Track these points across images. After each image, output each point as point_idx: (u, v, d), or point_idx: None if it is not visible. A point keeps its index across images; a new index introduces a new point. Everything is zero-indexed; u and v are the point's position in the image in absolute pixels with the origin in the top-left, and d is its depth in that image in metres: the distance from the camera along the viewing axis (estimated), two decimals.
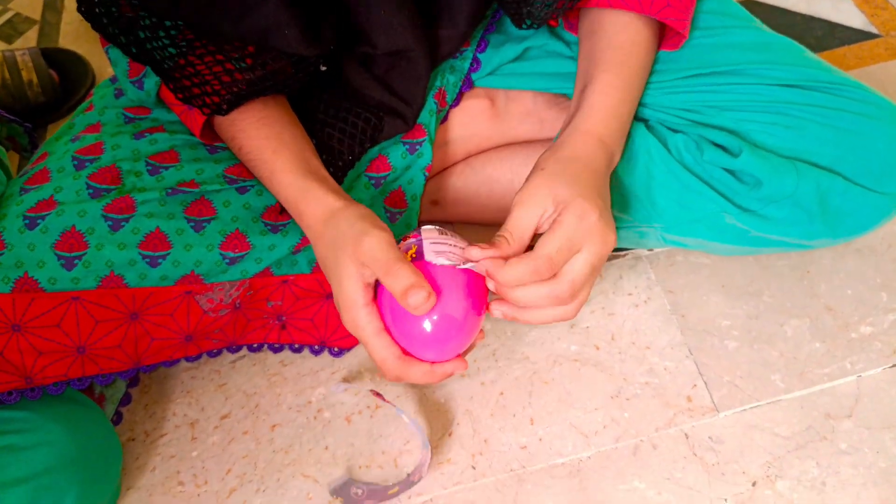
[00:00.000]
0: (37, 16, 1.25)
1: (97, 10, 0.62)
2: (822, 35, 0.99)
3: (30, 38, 1.21)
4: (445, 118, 0.77)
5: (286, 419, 0.74)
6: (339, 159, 0.69)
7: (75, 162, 0.65)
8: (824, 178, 0.64)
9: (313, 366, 0.77)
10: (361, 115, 0.69)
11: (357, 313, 0.57)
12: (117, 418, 0.74)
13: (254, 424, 0.74)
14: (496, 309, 0.58)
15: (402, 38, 0.66)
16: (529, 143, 0.78)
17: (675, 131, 0.69)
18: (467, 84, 0.76)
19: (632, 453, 0.67)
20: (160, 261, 0.64)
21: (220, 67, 0.59)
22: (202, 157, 0.68)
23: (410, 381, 0.58)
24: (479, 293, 0.58)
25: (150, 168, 0.66)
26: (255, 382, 0.77)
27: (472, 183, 0.79)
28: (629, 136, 0.70)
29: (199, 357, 0.72)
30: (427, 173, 0.73)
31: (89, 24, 0.63)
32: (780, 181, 0.64)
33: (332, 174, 0.66)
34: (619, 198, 0.70)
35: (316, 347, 0.75)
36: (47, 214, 0.62)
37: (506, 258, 0.56)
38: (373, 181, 0.72)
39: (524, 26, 0.68)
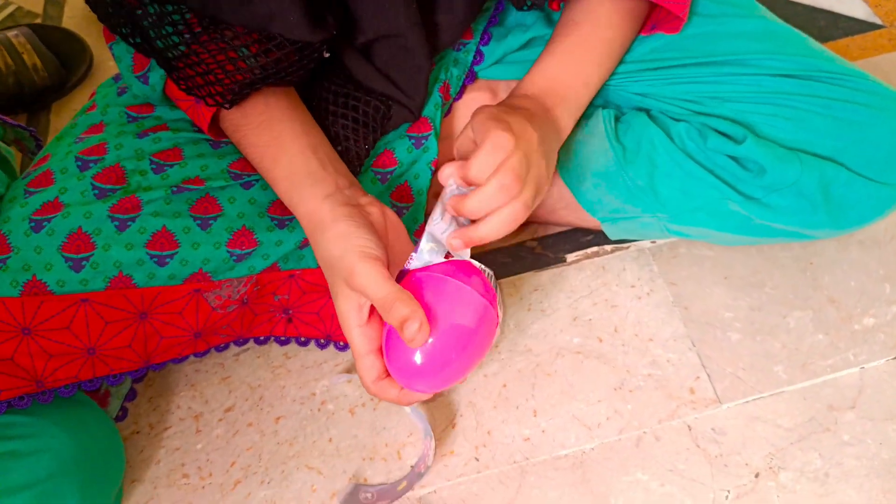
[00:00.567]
0: (38, 9, 1.25)
1: None
2: (824, 26, 0.99)
3: None
4: (449, 111, 0.77)
5: (290, 411, 0.74)
6: (354, 149, 0.69)
7: (79, 163, 0.65)
8: (828, 168, 0.64)
9: (317, 358, 0.77)
10: (371, 102, 0.69)
11: (350, 333, 0.59)
12: (122, 413, 0.75)
13: (258, 417, 0.74)
14: (453, 241, 0.58)
15: (393, 20, 0.65)
16: None
17: (678, 120, 0.69)
18: (471, 77, 0.76)
19: (635, 445, 0.67)
20: (168, 260, 0.64)
21: (224, 56, 0.59)
22: (206, 152, 0.68)
23: (381, 399, 0.61)
24: (478, 328, 0.58)
25: (154, 167, 0.66)
26: (258, 375, 0.77)
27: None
28: (631, 125, 0.70)
29: (207, 352, 0.72)
30: (433, 168, 0.73)
31: (93, 17, 0.63)
32: (783, 169, 0.64)
33: (351, 164, 0.67)
34: (622, 187, 0.70)
35: (322, 341, 0.75)
36: (53, 217, 0.62)
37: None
38: (379, 176, 0.72)
39: (525, 8, 0.68)
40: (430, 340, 0.56)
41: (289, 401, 0.75)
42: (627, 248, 0.80)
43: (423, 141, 0.73)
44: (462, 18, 0.71)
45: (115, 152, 0.66)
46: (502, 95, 0.77)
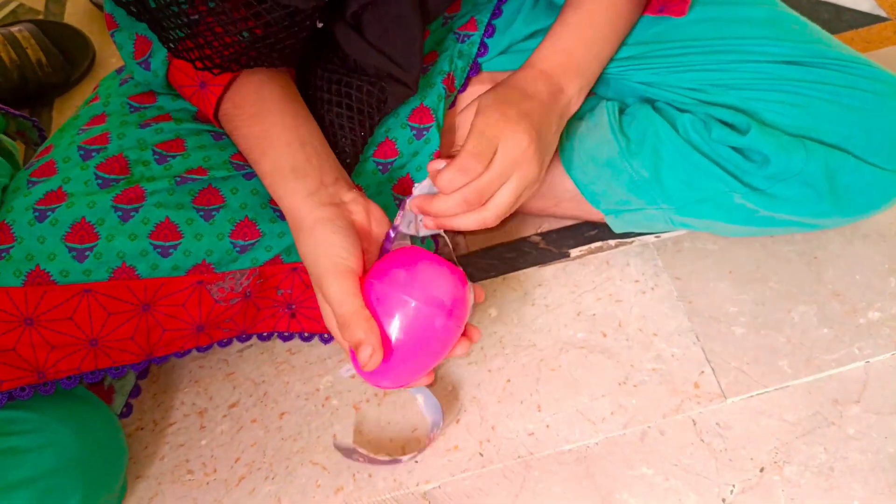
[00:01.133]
0: (40, 6, 1.25)
1: None
2: (828, 18, 0.98)
3: None
4: (453, 104, 0.77)
5: (294, 407, 0.74)
6: (350, 137, 0.69)
7: (81, 152, 0.65)
8: (833, 155, 0.64)
9: (321, 354, 0.77)
10: (363, 87, 0.68)
11: (329, 326, 0.61)
12: (127, 410, 0.75)
13: (262, 413, 0.74)
14: (427, 220, 0.62)
15: None
16: None
17: (683, 111, 0.69)
18: (475, 69, 0.76)
19: (639, 439, 0.67)
20: (171, 251, 0.64)
21: (214, 19, 0.58)
22: (207, 144, 0.68)
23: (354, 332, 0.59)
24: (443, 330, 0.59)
25: (157, 157, 0.66)
26: (263, 371, 0.77)
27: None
28: (636, 117, 0.69)
29: (209, 347, 0.72)
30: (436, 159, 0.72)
31: (94, 13, 0.62)
32: (788, 158, 0.63)
33: (347, 153, 0.66)
34: (626, 179, 0.70)
35: (326, 336, 0.75)
36: (57, 206, 0.62)
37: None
38: (380, 167, 0.72)
39: None
40: (395, 345, 0.58)
41: (293, 396, 0.75)
42: (631, 242, 0.80)
43: (425, 132, 0.72)
44: None
45: (118, 142, 0.66)
46: None
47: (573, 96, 0.67)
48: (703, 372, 0.70)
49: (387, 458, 0.67)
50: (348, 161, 0.69)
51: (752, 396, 0.68)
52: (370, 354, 0.55)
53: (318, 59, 0.69)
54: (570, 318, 0.75)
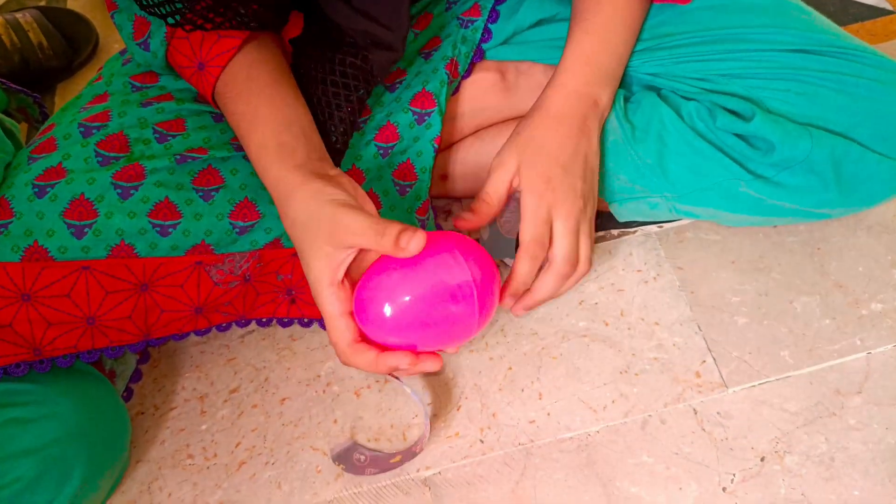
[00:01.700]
0: None
1: None
2: (834, 11, 0.98)
3: None
4: (457, 90, 0.76)
5: (295, 393, 0.74)
6: (338, 114, 0.68)
7: (81, 129, 0.65)
8: (839, 143, 0.64)
9: (322, 340, 0.77)
10: (346, 59, 0.67)
11: (321, 295, 0.58)
12: (128, 394, 0.75)
13: (263, 398, 0.74)
14: (518, 308, 0.65)
15: None
16: None
17: (688, 99, 0.69)
18: (479, 55, 0.76)
19: (640, 428, 0.67)
20: (171, 230, 0.64)
21: None
22: (208, 125, 0.68)
23: (356, 367, 0.59)
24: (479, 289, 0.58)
25: (157, 136, 0.66)
26: (264, 357, 0.77)
27: (482, 157, 0.78)
28: (641, 104, 0.69)
29: (208, 331, 0.72)
30: (436, 145, 0.72)
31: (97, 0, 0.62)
32: (793, 145, 0.63)
33: (339, 129, 0.66)
34: (631, 167, 0.69)
35: None
36: (56, 183, 0.62)
37: (485, 218, 0.65)
38: (381, 151, 0.72)
39: None
40: (407, 298, 0.56)
41: (294, 382, 0.75)
42: (634, 232, 0.80)
43: (426, 117, 0.72)
44: None
45: (119, 120, 0.65)
46: (511, 76, 0.77)
47: (607, 104, 0.68)
48: (704, 361, 0.70)
49: (390, 454, 0.67)
50: (342, 136, 0.68)
51: (753, 386, 0.68)
52: (413, 235, 0.53)
53: (307, 37, 0.69)
54: (572, 307, 0.75)
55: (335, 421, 0.71)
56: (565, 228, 0.63)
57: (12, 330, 0.61)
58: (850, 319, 0.71)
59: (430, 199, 0.73)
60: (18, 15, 1.04)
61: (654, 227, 0.79)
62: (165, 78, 0.71)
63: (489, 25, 0.75)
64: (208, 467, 0.71)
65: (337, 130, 0.68)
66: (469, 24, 0.75)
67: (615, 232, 0.80)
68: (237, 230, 0.66)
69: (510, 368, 0.72)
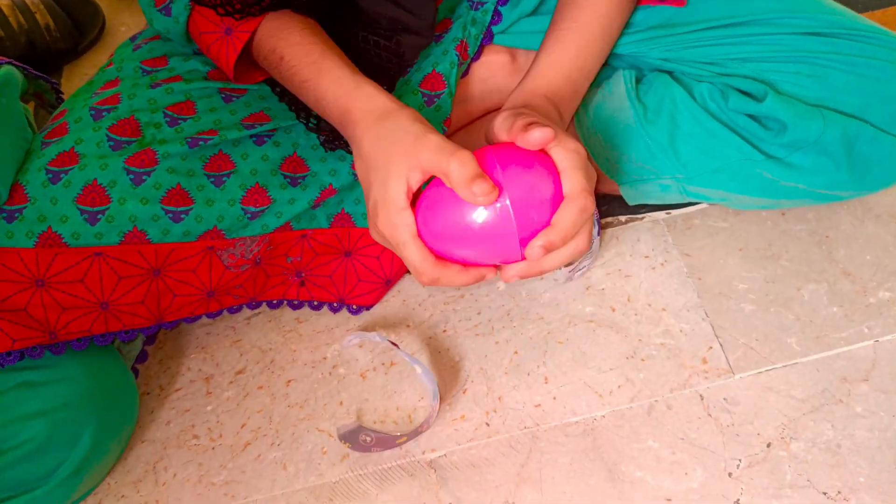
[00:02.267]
0: None
1: None
2: (843, 1, 0.97)
3: None
4: (466, 73, 0.76)
5: (301, 374, 0.74)
6: None
7: (92, 112, 0.65)
8: (851, 124, 0.63)
9: (328, 322, 0.77)
10: (379, 42, 0.67)
11: (398, 214, 0.54)
12: (133, 375, 0.75)
13: (269, 380, 0.74)
14: (511, 274, 0.57)
15: None
16: None
17: (700, 81, 0.69)
18: (488, 37, 0.75)
19: (646, 413, 0.67)
20: (183, 216, 0.64)
21: None
22: (218, 106, 0.68)
23: (445, 282, 0.56)
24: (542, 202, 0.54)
25: (168, 119, 0.66)
26: (270, 339, 0.77)
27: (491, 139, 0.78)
28: (653, 85, 0.69)
29: (219, 313, 0.72)
30: (446, 128, 0.72)
31: None
32: (805, 126, 0.63)
33: None
34: (642, 148, 0.69)
35: (335, 305, 0.75)
36: (70, 168, 0.62)
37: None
38: None
39: None
40: (471, 215, 0.53)
41: (300, 364, 0.75)
42: (642, 218, 0.79)
43: (436, 99, 0.72)
44: None
45: (128, 102, 0.65)
46: (521, 59, 0.77)
47: (567, 124, 0.66)
48: (711, 347, 0.70)
49: (395, 435, 0.67)
50: None
51: (760, 373, 0.68)
52: (490, 188, 0.51)
53: (335, 19, 0.69)
54: (579, 293, 0.75)
55: (341, 403, 0.72)
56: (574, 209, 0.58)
57: (27, 314, 0.62)
58: (858, 307, 0.70)
59: None
60: None
61: (661, 214, 0.79)
62: (175, 59, 0.70)
63: (499, 8, 0.75)
64: (213, 448, 0.71)
65: None
66: (479, 6, 0.75)
67: (623, 218, 0.80)
68: (248, 215, 0.66)
69: (516, 352, 0.72)
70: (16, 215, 0.60)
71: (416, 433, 0.67)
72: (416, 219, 0.55)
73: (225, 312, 0.73)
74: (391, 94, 0.68)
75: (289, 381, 0.74)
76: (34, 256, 0.61)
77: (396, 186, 0.54)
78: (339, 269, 0.73)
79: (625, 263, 0.77)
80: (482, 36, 0.75)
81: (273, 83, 0.70)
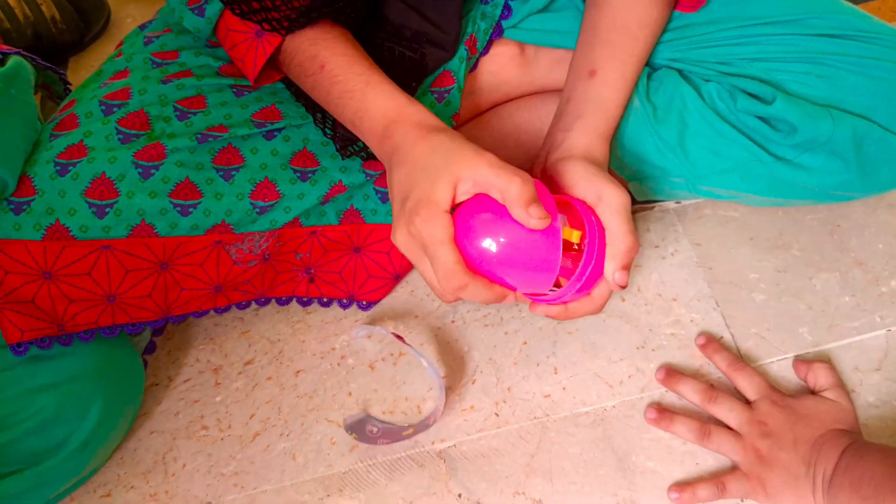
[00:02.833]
0: None
1: None
2: None
3: None
4: (475, 67, 0.76)
5: (310, 365, 0.74)
6: None
7: (103, 107, 0.65)
8: (860, 124, 0.63)
9: (337, 314, 0.77)
10: (405, 53, 0.68)
11: (442, 214, 0.53)
12: (141, 361, 0.75)
13: (277, 370, 0.74)
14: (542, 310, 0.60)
15: None
16: (561, 92, 0.77)
17: (708, 81, 0.68)
18: (497, 32, 0.75)
19: (657, 403, 0.67)
20: (191, 210, 0.64)
21: None
22: (229, 101, 0.67)
23: (470, 292, 0.55)
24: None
25: (178, 113, 0.65)
26: (278, 330, 0.77)
27: (498, 132, 0.78)
28: (663, 83, 0.68)
29: (227, 308, 0.72)
30: (455, 122, 0.72)
31: None
32: (815, 127, 0.63)
33: None
34: (652, 148, 0.69)
35: (344, 301, 0.75)
36: (78, 161, 0.61)
37: None
38: None
39: None
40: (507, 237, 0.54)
41: (309, 355, 0.75)
42: (652, 208, 0.79)
43: (446, 95, 0.72)
44: None
45: (139, 97, 0.65)
46: (531, 51, 0.76)
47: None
48: (722, 337, 0.69)
49: (401, 427, 0.67)
50: None
51: (771, 362, 0.67)
52: (544, 214, 0.52)
53: (360, 27, 0.69)
54: None
55: (350, 394, 0.71)
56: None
57: (35, 306, 0.62)
58: (870, 297, 0.70)
59: None
60: None
61: (671, 203, 0.78)
62: (186, 53, 0.70)
63: (509, 2, 0.74)
64: (223, 438, 0.71)
65: None
66: (489, 0, 0.74)
67: (633, 207, 0.79)
68: (257, 210, 0.66)
69: (525, 343, 0.72)
70: (23, 207, 0.60)
71: (423, 426, 0.67)
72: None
73: (233, 308, 0.73)
74: None
75: (298, 372, 0.74)
76: (42, 249, 0.61)
77: (444, 189, 0.53)
78: (349, 266, 0.73)
79: None
80: (492, 30, 0.74)
81: (288, 83, 0.70)
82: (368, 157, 0.68)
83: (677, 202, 0.78)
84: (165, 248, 0.65)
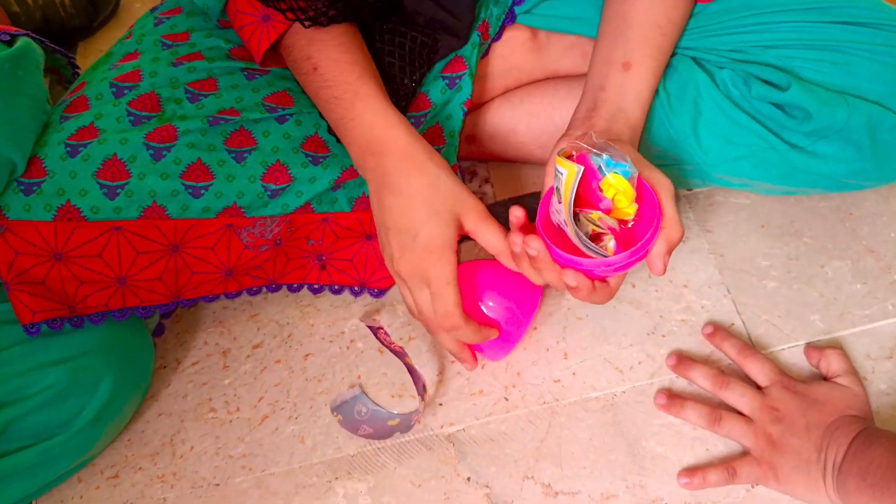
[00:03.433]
0: None
1: None
2: None
3: None
4: (486, 52, 0.75)
5: (319, 349, 0.74)
6: (400, 87, 0.68)
7: (114, 89, 0.65)
8: (875, 111, 0.63)
9: (346, 298, 0.77)
10: (417, 38, 0.67)
11: (452, 259, 0.58)
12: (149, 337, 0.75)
13: (286, 354, 0.74)
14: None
15: None
16: (572, 78, 0.77)
17: (722, 68, 0.68)
18: (510, 17, 0.74)
19: (667, 389, 0.67)
20: (203, 191, 0.64)
21: None
22: (240, 84, 0.67)
23: (459, 334, 0.61)
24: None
25: (189, 96, 0.65)
26: (287, 313, 0.77)
27: (509, 118, 0.77)
28: (676, 70, 0.68)
29: (238, 294, 0.72)
30: (466, 108, 0.71)
31: None
32: (830, 113, 0.62)
33: (395, 104, 0.64)
34: (664, 135, 0.68)
35: (356, 289, 0.75)
36: (89, 142, 0.61)
37: None
38: (413, 120, 0.71)
39: None
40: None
41: (318, 339, 0.75)
42: None
43: (458, 81, 0.71)
44: None
45: (150, 80, 0.65)
46: (542, 36, 0.76)
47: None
48: (732, 324, 0.69)
49: (390, 414, 0.67)
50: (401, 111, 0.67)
51: (782, 350, 0.67)
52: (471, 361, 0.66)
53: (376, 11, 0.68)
54: None
55: (359, 377, 0.71)
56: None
57: (45, 287, 0.62)
58: (882, 284, 0.70)
59: (458, 163, 0.73)
60: None
61: (683, 190, 0.78)
62: (196, 35, 0.70)
63: None
64: (231, 421, 0.71)
65: (399, 104, 0.66)
66: None
67: None
68: (269, 193, 0.66)
69: (535, 328, 0.72)
70: (34, 188, 0.60)
71: (406, 425, 0.67)
72: None
73: (244, 294, 0.72)
74: (419, 87, 0.70)
75: (306, 356, 0.74)
76: (52, 230, 0.61)
77: (454, 232, 0.59)
78: (361, 253, 0.72)
79: None
80: (504, 16, 0.74)
81: None
82: None
83: (689, 189, 0.78)
84: (177, 230, 0.64)
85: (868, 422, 0.59)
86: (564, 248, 0.54)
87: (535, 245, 0.54)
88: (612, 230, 0.56)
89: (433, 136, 0.72)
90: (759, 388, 0.63)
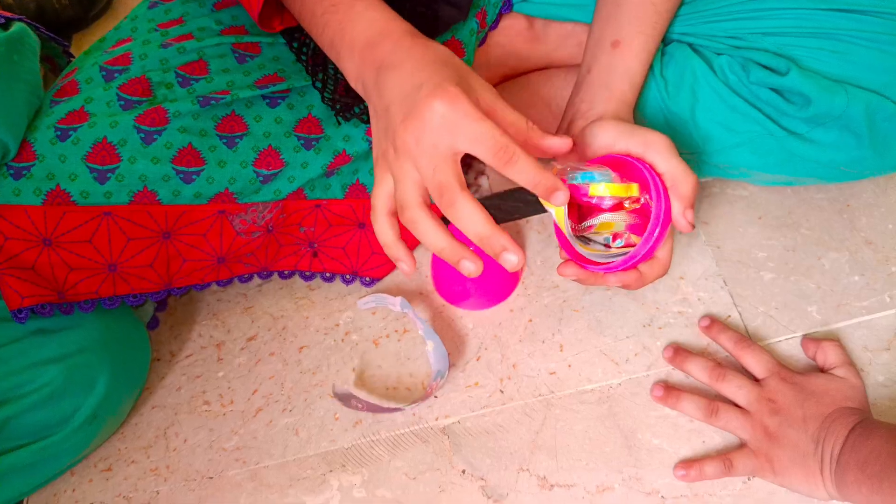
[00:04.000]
0: None
1: None
2: None
3: None
4: (483, 41, 0.75)
5: (314, 341, 0.73)
6: None
7: (104, 73, 0.64)
8: (874, 99, 0.62)
9: (341, 290, 0.76)
10: (415, 9, 0.66)
11: (465, 101, 0.48)
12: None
13: (281, 346, 0.74)
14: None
15: None
16: (569, 67, 0.76)
17: (720, 54, 0.67)
18: (507, 5, 0.74)
19: (663, 381, 0.66)
20: (194, 177, 0.63)
21: None
22: (231, 67, 0.67)
23: (455, 212, 0.51)
24: None
25: (180, 80, 0.64)
26: (281, 305, 0.76)
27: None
28: (673, 57, 0.67)
29: (230, 281, 0.71)
30: None
31: None
32: (829, 100, 0.62)
33: None
34: (662, 123, 0.68)
35: (348, 277, 0.74)
36: (80, 126, 0.61)
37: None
38: None
39: None
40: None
41: (312, 331, 0.74)
42: None
43: None
44: None
45: (140, 62, 0.64)
46: (539, 25, 0.75)
47: None
48: (729, 316, 0.69)
49: (387, 406, 0.67)
50: None
51: (780, 341, 0.67)
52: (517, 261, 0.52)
53: None
54: None
55: (353, 369, 0.71)
56: None
57: (35, 272, 0.61)
58: (880, 276, 0.69)
59: None
60: None
61: None
62: (189, 19, 0.69)
63: None
64: (224, 414, 0.70)
65: None
66: None
67: None
68: (261, 178, 0.65)
69: (531, 320, 0.71)
70: (23, 172, 0.60)
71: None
72: None
73: (236, 281, 0.72)
74: None
75: (301, 348, 0.73)
76: (42, 214, 0.60)
77: (464, 92, 0.48)
78: (353, 241, 0.72)
79: None
80: (501, 4, 0.73)
81: (289, 38, 0.69)
82: (368, 121, 0.67)
83: None
84: (168, 216, 0.64)
85: (865, 413, 0.59)
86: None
87: (571, 271, 0.57)
88: (632, 212, 0.57)
89: None
90: (755, 380, 0.63)
